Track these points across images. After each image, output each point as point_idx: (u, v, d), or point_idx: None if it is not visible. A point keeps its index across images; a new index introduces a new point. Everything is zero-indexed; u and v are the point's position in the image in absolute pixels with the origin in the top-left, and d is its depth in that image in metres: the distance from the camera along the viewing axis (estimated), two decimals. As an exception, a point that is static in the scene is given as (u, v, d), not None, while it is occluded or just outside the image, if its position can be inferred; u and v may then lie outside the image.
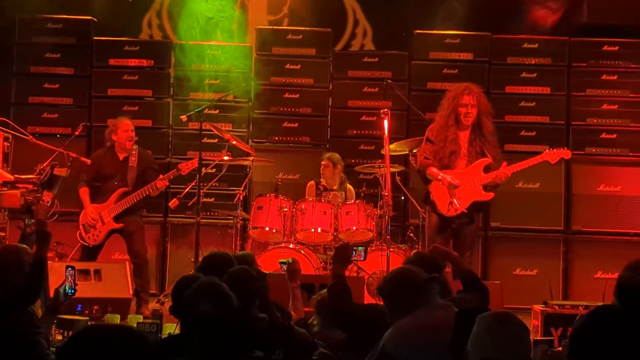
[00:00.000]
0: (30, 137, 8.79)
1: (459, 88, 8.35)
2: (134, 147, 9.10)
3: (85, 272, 8.33)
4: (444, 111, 8.29)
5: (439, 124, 8.29)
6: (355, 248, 5.81)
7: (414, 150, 8.82)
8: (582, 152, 10.28)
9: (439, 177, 8.14)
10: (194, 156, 9.17)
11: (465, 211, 8.13)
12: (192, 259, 8.89)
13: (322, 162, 9.61)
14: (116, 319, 7.07)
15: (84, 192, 9.06)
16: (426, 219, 8.58)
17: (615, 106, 10.37)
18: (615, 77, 10.42)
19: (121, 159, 9.05)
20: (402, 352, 4.21)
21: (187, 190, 9.15)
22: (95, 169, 9.10)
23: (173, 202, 9.14)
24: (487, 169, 8.19)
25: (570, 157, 8.52)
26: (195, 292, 3.95)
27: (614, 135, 10.31)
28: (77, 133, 9.20)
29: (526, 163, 8.22)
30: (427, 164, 8.22)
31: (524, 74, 10.46)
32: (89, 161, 9.16)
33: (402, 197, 9.86)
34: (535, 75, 10.45)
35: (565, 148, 8.46)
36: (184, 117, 9.15)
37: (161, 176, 8.87)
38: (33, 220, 7.54)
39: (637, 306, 4.33)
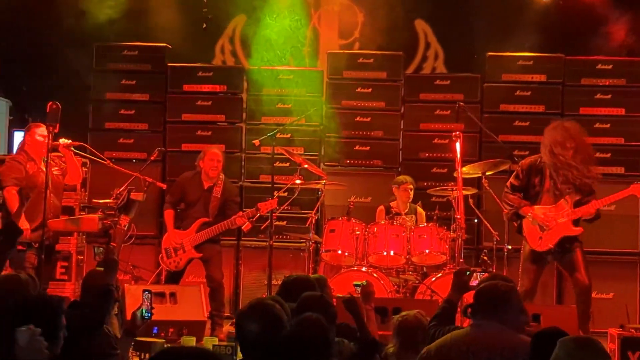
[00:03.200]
0: (108, 161, 8.95)
1: (563, 132, 8.21)
2: (221, 177, 9.16)
3: (160, 295, 8.44)
4: (544, 148, 8.24)
5: (540, 161, 8.29)
6: (470, 270, 5.71)
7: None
8: (659, 173, 10.13)
9: (529, 215, 8.22)
10: (266, 180, 9.24)
11: (552, 247, 8.16)
12: (265, 282, 8.94)
13: (403, 186, 9.57)
14: (192, 341, 7.15)
15: (169, 215, 9.17)
16: (521, 247, 8.53)
17: (693, 126, 10.20)
18: (691, 96, 10.27)
19: (206, 187, 9.12)
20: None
21: (259, 213, 9.22)
22: (181, 191, 9.21)
23: (246, 226, 9.21)
24: (577, 204, 8.18)
25: None
26: (245, 312, 3.97)
27: (692, 157, 10.13)
28: (152, 158, 9.34)
29: (612, 198, 8.20)
30: (523, 203, 8.28)
31: (598, 95, 10.35)
32: (164, 186, 9.29)
33: (476, 220, 9.80)
34: (609, 96, 10.33)
35: None
36: (256, 142, 9.24)
37: (240, 213, 8.93)
38: (102, 249, 7.67)
39: None
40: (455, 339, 4.51)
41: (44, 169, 7.99)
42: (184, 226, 9.06)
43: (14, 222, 5.60)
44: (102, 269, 5.50)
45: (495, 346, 4.32)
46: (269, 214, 8.89)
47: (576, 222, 8.18)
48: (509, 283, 4.79)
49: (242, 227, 9.37)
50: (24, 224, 8.03)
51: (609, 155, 10.10)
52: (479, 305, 4.51)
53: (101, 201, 8.78)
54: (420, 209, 9.74)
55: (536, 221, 8.19)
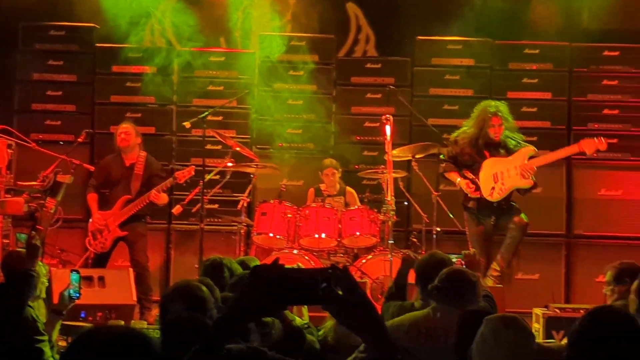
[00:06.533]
0: (33, 144, 8.82)
1: (487, 108, 8.54)
2: (142, 154, 9.11)
3: (88, 279, 8.34)
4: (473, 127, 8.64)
5: (467, 136, 8.62)
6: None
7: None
8: (584, 157, 10.30)
9: (457, 181, 8.55)
10: (197, 163, 9.21)
11: (505, 195, 8.42)
12: (196, 266, 8.91)
13: (327, 171, 9.61)
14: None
15: (92, 199, 9.11)
16: (466, 226, 8.69)
17: (616, 111, 10.41)
18: (616, 82, 10.46)
19: (127, 165, 9.09)
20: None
21: (190, 196, 9.18)
22: (104, 174, 9.16)
23: (176, 209, 9.18)
24: (531, 158, 8.46)
25: (605, 149, 8.64)
26: (170, 293, 3.95)
27: (615, 140, 10.31)
28: (80, 140, 9.23)
29: (559, 154, 8.59)
30: (448, 168, 8.63)
31: (525, 80, 10.50)
32: (92, 168, 9.20)
33: (405, 203, 9.87)
34: (536, 80, 10.48)
35: (600, 137, 8.56)
36: (187, 124, 9.19)
37: (154, 190, 8.91)
38: (24, 235, 7.58)
39: None
40: (414, 319, 4.66)
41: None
42: (108, 207, 9.02)
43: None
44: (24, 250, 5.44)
45: (452, 328, 4.41)
46: (199, 197, 8.87)
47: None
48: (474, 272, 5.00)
49: (173, 210, 9.35)
50: None
51: (535, 138, 10.18)
52: (447, 290, 4.64)
53: (27, 184, 8.66)
54: (350, 189, 9.77)
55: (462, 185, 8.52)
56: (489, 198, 8.47)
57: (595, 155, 8.68)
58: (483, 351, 3.35)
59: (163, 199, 9.08)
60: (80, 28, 10.80)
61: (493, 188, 8.45)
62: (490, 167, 8.53)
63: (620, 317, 2.64)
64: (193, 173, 8.98)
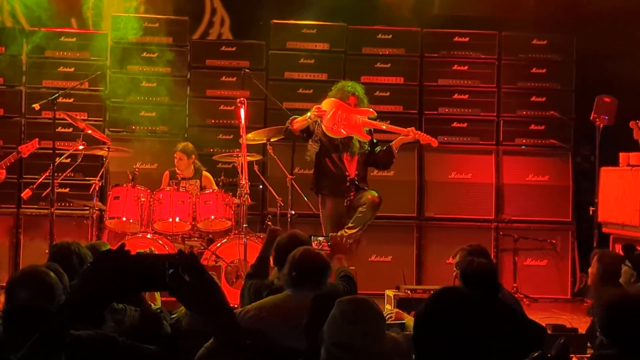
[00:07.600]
0: None
1: (345, 88, 8.57)
2: None
3: None
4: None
5: None
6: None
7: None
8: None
9: (307, 115, 8.45)
10: (48, 146, 8.98)
11: (344, 134, 8.36)
12: (47, 251, 8.70)
13: (176, 155, 9.54)
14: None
15: None
16: (320, 208, 8.60)
17: (466, 96, 10.71)
18: (466, 67, 10.75)
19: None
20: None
21: (40, 180, 8.96)
22: None
23: (26, 193, 8.94)
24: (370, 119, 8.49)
25: (437, 145, 8.79)
26: (16, 279, 3.86)
27: (465, 124, 10.65)
28: None
29: (393, 129, 8.63)
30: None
31: (378, 64, 10.67)
32: None
33: (261, 186, 9.91)
34: (389, 65, 10.67)
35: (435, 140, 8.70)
36: (36, 106, 8.96)
37: None
38: None
39: (477, 287, 4.63)
40: (276, 302, 4.71)
41: None
42: None
43: None
44: None
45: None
46: (49, 180, 8.66)
47: (367, 132, 8.51)
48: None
49: (22, 194, 9.10)
50: None
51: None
52: (304, 275, 4.70)
53: None
54: (206, 173, 9.73)
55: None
56: (328, 132, 8.40)
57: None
58: (334, 333, 3.40)
59: (26, 192, 8.82)
60: None
61: (336, 124, 8.39)
62: (334, 106, 8.44)
63: (462, 298, 2.73)
64: (37, 145, 8.78)
